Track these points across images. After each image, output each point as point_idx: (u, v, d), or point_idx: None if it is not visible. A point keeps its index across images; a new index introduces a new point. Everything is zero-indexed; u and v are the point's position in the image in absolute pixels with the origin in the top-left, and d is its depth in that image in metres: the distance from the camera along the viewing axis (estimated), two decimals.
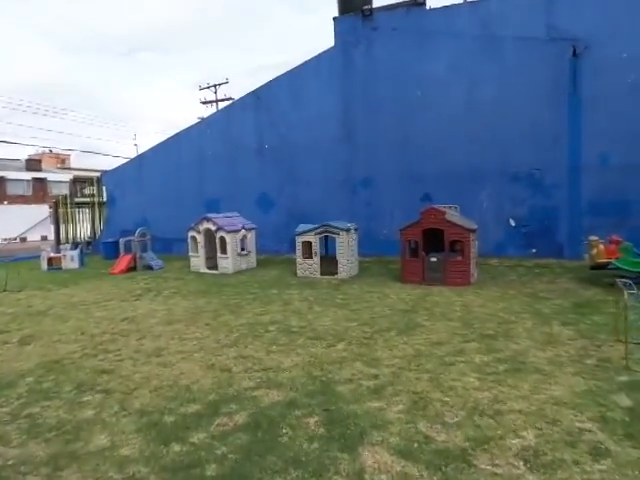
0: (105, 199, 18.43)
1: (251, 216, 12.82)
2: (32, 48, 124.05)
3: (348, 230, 10.07)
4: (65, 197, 19.16)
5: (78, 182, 18.73)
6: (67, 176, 40.75)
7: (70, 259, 14.25)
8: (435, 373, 4.29)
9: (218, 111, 15.17)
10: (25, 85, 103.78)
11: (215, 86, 32.61)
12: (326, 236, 10.34)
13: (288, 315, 6.73)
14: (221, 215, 12.08)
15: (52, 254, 14.40)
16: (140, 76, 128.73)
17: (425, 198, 12.24)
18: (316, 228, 10.12)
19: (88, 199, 19.19)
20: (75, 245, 18.80)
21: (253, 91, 14.37)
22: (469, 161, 11.94)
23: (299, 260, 10.42)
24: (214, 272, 11.50)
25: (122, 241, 13.56)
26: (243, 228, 11.71)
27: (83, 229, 19.65)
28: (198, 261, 11.87)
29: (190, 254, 12.03)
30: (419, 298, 7.64)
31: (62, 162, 61.28)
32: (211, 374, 4.47)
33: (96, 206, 18.87)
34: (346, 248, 9.98)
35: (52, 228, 19.91)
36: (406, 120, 12.41)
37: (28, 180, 40.33)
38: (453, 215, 9.26)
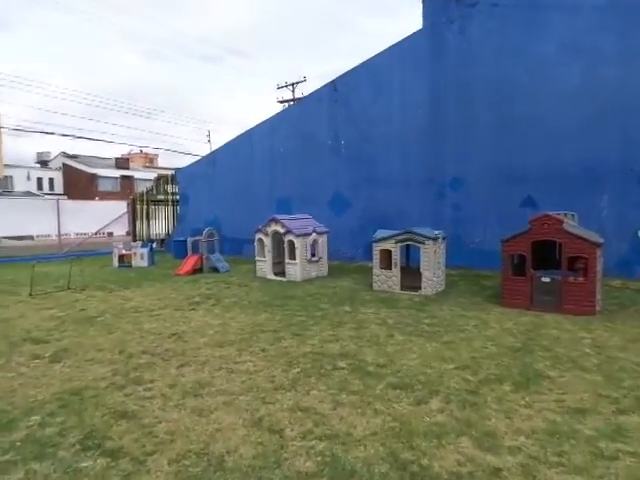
0: (179, 197, 18.23)
1: (323, 218, 11.64)
2: (127, 56, 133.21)
3: (435, 239, 8.53)
4: (142, 194, 19.26)
5: (158, 180, 18.65)
6: (152, 174, 42.47)
7: (140, 257, 13.97)
8: (593, 476, 2.74)
9: (291, 105, 14.21)
10: (122, 89, 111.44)
11: (293, 85, 32.09)
12: (408, 245, 8.89)
13: (362, 345, 5.39)
14: (291, 217, 11.01)
15: (124, 251, 14.20)
16: (226, 80, 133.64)
17: (527, 202, 10.34)
18: (397, 235, 8.68)
19: (163, 196, 19.12)
20: (149, 242, 18.86)
21: (330, 82, 13.20)
22: (584, 158, 9.85)
23: (376, 271, 9.04)
24: (281, 279, 10.45)
25: (189, 241, 12.98)
26: (314, 231, 10.55)
27: (158, 226, 19.68)
28: (264, 266, 10.89)
29: (256, 258, 11.09)
30: (530, 330, 5.96)
31: (150, 161, 64.67)
32: (256, 436, 3.26)
33: (170, 203, 18.74)
34: (432, 259, 8.45)
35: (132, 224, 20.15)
36: (506, 109, 10.56)
37: (117, 178, 42.55)
38: (572, 225, 7.41)
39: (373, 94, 12.41)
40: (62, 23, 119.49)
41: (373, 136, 12.43)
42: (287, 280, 10.31)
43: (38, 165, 47.67)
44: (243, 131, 15.48)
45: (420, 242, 8.45)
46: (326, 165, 13.33)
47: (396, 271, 8.78)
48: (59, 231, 16.98)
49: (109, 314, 7.22)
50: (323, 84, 13.43)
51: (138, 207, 19.15)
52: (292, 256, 10.30)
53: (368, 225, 12.36)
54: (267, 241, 10.74)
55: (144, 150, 60.16)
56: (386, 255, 8.99)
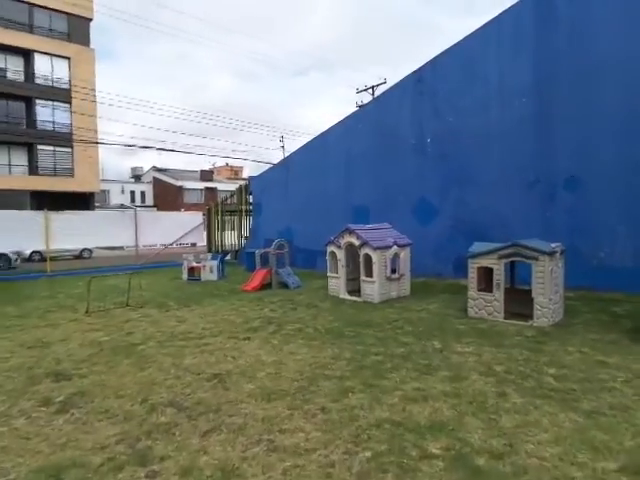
0: (252, 206, 17.52)
1: (406, 228, 10.03)
2: (224, 77, 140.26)
3: (552, 253, 6.61)
4: (217, 204, 18.86)
5: (240, 190, 18.12)
6: (235, 185, 43.24)
7: (209, 270, 13.26)
8: None
9: (370, 101, 12.82)
10: (214, 107, 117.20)
11: (372, 87, 30.69)
12: (513, 261, 7.04)
13: (463, 410, 3.77)
14: (368, 227, 9.55)
15: (194, 263, 13.60)
16: (311, 92, 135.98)
17: None
18: (501, 249, 6.88)
19: (238, 206, 18.56)
20: (223, 254, 18.36)
21: (414, 72, 11.61)
22: None
23: (472, 293, 7.28)
24: (356, 299, 9.00)
25: (258, 253, 11.99)
26: (395, 244, 8.98)
27: (233, 237, 19.18)
28: (337, 283, 9.51)
29: (328, 274, 9.74)
30: None
31: (235, 173, 66.67)
32: None
33: (245, 213, 18.12)
34: (548, 280, 6.54)
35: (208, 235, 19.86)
36: (638, 90, 8.31)
37: (201, 189, 43.81)
38: None
39: (465, 82, 10.61)
40: (165, 52, 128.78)
41: (465, 131, 10.61)
42: (363, 300, 8.84)
43: (132, 179, 50.72)
44: (317, 134, 14.35)
45: (532, 258, 6.58)
46: (409, 167, 11.70)
47: (499, 294, 6.96)
48: (136, 242, 16.97)
49: (153, 341, 6.23)
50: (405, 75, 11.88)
51: (213, 218, 18.78)
52: (369, 272, 8.82)
53: (458, 236, 10.56)
54: (340, 255, 9.37)
55: (229, 163, 62.06)
56: (485, 274, 7.22)
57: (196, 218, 18.98)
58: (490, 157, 10.24)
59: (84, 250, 25.64)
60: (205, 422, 3.67)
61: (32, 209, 25.54)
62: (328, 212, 13.70)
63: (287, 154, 16.26)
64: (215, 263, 13.36)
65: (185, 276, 13.35)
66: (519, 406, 3.83)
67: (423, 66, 11.44)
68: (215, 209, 18.77)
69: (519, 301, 6.98)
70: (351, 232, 9.02)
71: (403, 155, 11.83)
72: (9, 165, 31.77)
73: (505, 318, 6.88)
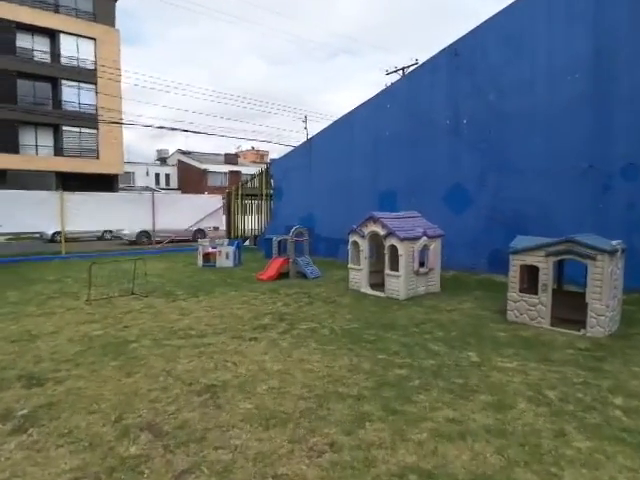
0: (273, 190, 16.76)
1: (437, 217, 9.09)
2: (250, 62, 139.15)
3: (613, 252, 5.60)
4: (237, 188, 18.17)
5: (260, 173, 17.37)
6: (258, 169, 42.65)
7: (225, 256, 12.60)
8: None
9: (400, 79, 11.78)
10: (243, 89, 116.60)
11: (403, 69, 29.30)
12: (562, 259, 6.06)
13: (512, 458, 2.90)
14: (395, 215, 8.65)
15: (209, 249, 12.96)
16: (339, 77, 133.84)
17: None
18: (551, 244, 5.90)
19: (259, 190, 17.83)
20: (242, 240, 17.72)
21: (450, 45, 10.51)
22: None
23: (513, 294, 6.33)
24: (379, 294, 8.15)
25: (275, 240, 11.25)
26: (425, 235, 8.07)
27: (254, 222, 18.50)
28: (359, 276, 8.67)
29: (350, 265, 8.91)
30: None
31: (261, 157, 66.12)
32: None
33: (265, 198, 17.38)
34: (607, 283, 5.55)
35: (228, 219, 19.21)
36: None
37: (225, 173, 43.36)
38: None
39: (507, 55, 9.48)
40: (198, 37, 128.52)
41: (506, 111, 9.52)
42: (386, 296, 7.99)
43: (158, 162, 50.67)
44: (343, 114, 13.39)
45: (588, 257, 5.59)
46: (442, 150, 10.67)
47: (545, 298, 6.00)
48: (153, 225, 16.47)
49: (149, 338, 5.55)
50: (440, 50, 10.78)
51: (233, 201, 18.12)
52: (394, 266, 7.95)
53: (495, 227, 9.57)
54: (363, 245, 8.51)
55: (255, 147, 61.52)
56: (529, 272, 6.26)
57: (216, 201, 18.36)
58: (535, 141, 9.13)
59: (105, 232, 25.47)
60: (183, 457, 2.93)
61: (57, 190, 25.51)
62: (352, 198, 12.82)
63: (311, 136, 15.38)
64: (231, 249, 12.69)
65: (200, 262, 12.74)
66: (585, 454, 2.95)
67: (461, 38, 10.33)
68: (235, 192, 18.10)
69: (568, 305, 6.02)
70: (376, 220, 8.15)
71: (436, 137, 10.80)
72: (36, 146, 31.85)
73: (552, 325, 5.93)
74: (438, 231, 8.52)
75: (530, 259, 6.06)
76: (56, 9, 31.37)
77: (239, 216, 18.12)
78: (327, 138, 13.93)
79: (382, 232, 8.00)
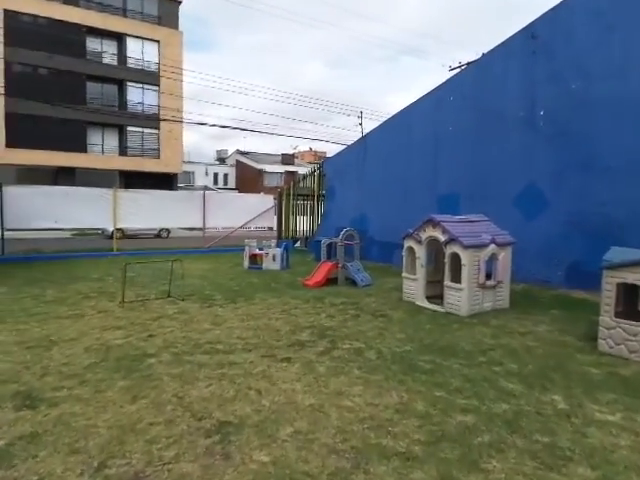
0: (325, 190, 16.00)
1: (506, 222, 7.91)
2: (313, 66, 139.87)
3: None
4: (289, 187, 17.58)
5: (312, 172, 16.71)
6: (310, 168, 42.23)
7: (272, 259, 11.98)
8: None
9: (466, 68, 10.62)
10: (306, 93, 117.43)
11: (468, 64, 27.61)
12: None
13: None
14: (457, 218, 7.57)
15: (256, 250, 12.40)
16: (400, 78, 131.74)
17: None
18: None
19: (308, 190, 17.15)
20: (292, 241, 17.11)
21: (525, 28, 9.25)
22: None
23: (606, 319, 5.12)
24: (436, 308, 7.13)
25: (324, 243, 10.45)
26: (493, 242, 6.95)
27: (305, 223, 17.84)
28: (414, 287, 7.67)
29: (404, 274, 7.93)
30: None
31: (319, 158, 65.89)
32: None
33: (316, 198, 16.65)
34: None
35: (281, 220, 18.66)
36: None
37: (281, 173, 43.29)
38: None
39: (596, 34, 8.12)
40: (262, 42, 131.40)
41: (592, 100, 8.16)
42: (445, 311, 6.95)
43: (217, 162, 51.62)
44: (401, 109, 12.39)
45: None
46: (514, 146, 9.43)
47: None
48: (203, 224, 16.21)
49: (170, 352, 4.90)
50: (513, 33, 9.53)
51: (284, 201, 17.55)
52: (456, 277, 6.90)
53: (576, 235, 8.26)
54: (420, 252, 7.51)
55: (313, 147, 61.30)
56: (628, 293, 5.04)
57: (267, 201, 17.87)
58: (627, 134, 7.72)
59: (162, 230, 25.86)
60: None
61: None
62: (409, 199, 11.79)
63: (366, 133, 14.48)
64: (278, 251, 12.04)
65: (246, 264, 12.19)
66: None
67: (539, 18, 9.05)
68: (287, 192, 17.52)
69: None
70: (436, 224, 7.13)
71: (506, 132, 9.56)
72: (102, 145, 33.12)
73: None
74: (508, 238, 7.36)
75: (632, 277, 4.84)
76: (124, 13, 32.47)
77: (290, 216, 17.52)
78: (383, 135, 12.98)
79: (443, 238, 6.97)
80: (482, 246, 6.83)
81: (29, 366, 4.47)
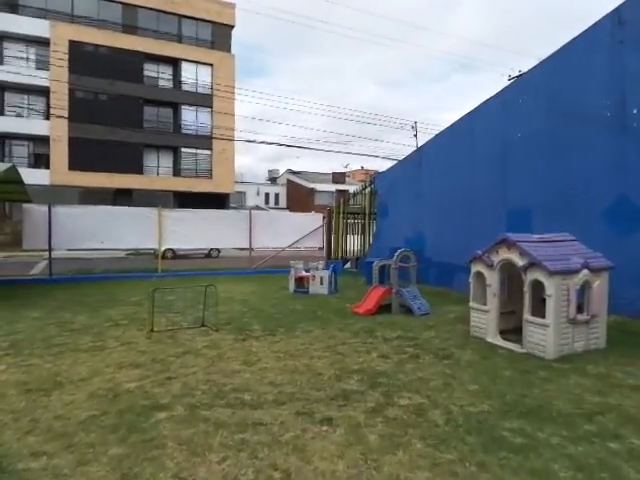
0: (376, 207, 14.93)
1: (592, 241, 6.52)
2: (366, 87, 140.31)
3: None
4: (339, 205, 16.68)
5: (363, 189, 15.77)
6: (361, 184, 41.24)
7: (319, 282, 11.02)
8: None
9: (537, 65, 9.32)
10: (360, 113, 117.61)
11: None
12: None
13: None
14: (537, 238, 6.28)
15: (302, 272, 11.50)
16: (453, 95, 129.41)
17: None
18: None
19: (359, 208, 16.15)
20: (343, 262, 16.12)
21: (611, 13, 7.90)
22: None
23: None
24: (514, 348, 5.83)
25: (376, 265, 9.38)
26: (586, 267, 5.62)
27: (356, 243, 16.83)
28: (484, 320, 6.42)
29: (471, 303, 6.69)
30: None
31: (371, 176, 65.01)
32: None
33: (368, 216, 15.61)
34: None
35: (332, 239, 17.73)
36: None
37: (332, 192, 42.66)
38: None
39: None
40: (313, 67, 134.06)
41: None
42: (525, 352, 5.65)
43: (269, 182, 51.89)
44: (461, 116, 11.20)
45: None
46: (600, 152, 8.00)
47: None
48: (250, 244, 15.57)
49: (186, 403, 4.00)
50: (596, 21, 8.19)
51: (334, 220, 16.65)
52: (539, 310, 5.61)
53: None
54: (492, 278, 6.27)
55: (364, 166, 60.46)
56: None
57: (316, 220, 17.03)
58: None
59: (212, 249, 25.69)
60: None
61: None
62: (472, 216, 10.50)
63: (421, 145, 13.38)
64: (326, 274, 11.07)
65: (291, 287, 11.30)
66: None
67: (627, 2, 7.69)
68: (337, 210, 16.62)
69: None
70: (511, 245, 5.89)
71: (589, 136, 8.16)
72: (157, 167, 33.92)
73: None
74: (604, 262, 5.98)
75: None
76: (179, 39, 33.42)
77: (340, 236, 16.57)
78: (441, 145, 11.81)
79: (521, 262, 5.72)
80: (572, 272, 5.52)
81: (18, 417, 3.72)
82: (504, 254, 6.01)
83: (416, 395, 4.24)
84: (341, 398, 4.16)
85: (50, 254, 13.01)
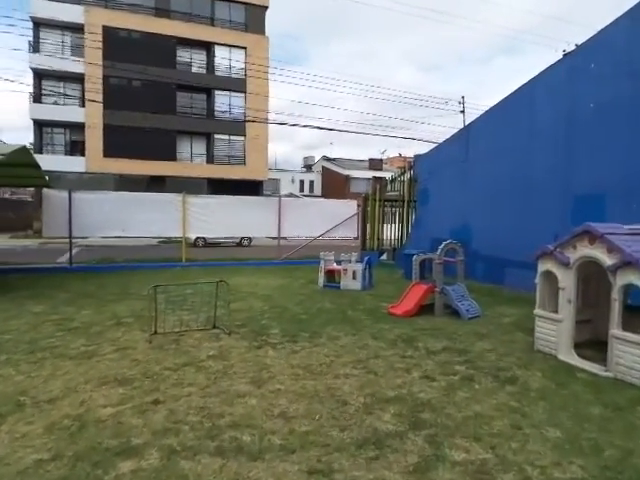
0: (416, 193, 13.62)
1: None
2: (406, 69, 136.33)
3: None
4: (374, 192, 15.43)
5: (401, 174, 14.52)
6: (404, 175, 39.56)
7: (351, 276, 9.91)
8: None
9: (614, 22, 7.74)
10: (399, 98, 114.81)
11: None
12: None
13: None
14: (628, 229, 4.92)
15: (333, 265, 10.42)
16: (498, 80, 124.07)
17: None
18: None
19: (397, 194, 14.87)
20: (379, 253, 14.92)
21: None
22: None
23: None
24: (595, 370, 4.55)
25: (416, 260, 8.15)
26: None
27: (393, 232, 15.58)
28: (555, 332, 5.13)
29: (538, 311, 5.39)
30: None
31: (408, 164, 62.90)
32: None
33: (406, 203, 14.31)
34: None
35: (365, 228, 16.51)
36: None
37: (368, 179, 41.20)
38: None
39: None
40: (354, 52, 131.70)
41: None
42: (612, 376, 4.37)
43: (304, 169, 50.86)
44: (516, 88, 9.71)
45: None
46: None
47: None
48: (279, 233, 14.59)
49: (163, 448, 3.00)
50: None
51: (369, 208, 15.43)
52: (633, 323, 4.31)
53: None
54: (566, 279, 4.97)
55: (402, 153, 58.46)
56: None
57: (349, 207, 15.83)
58: None
59: (243, 238, 24.99)
60: None
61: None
62: (530, 202, 9.10)
63: (469, 123, 11.96)
64: (359, 267, 9.94)
65: (321, 281, 10.24)
66: None
67: None
68: (372, 197, 15.39)
69: None
70: (596, 238, 4.58)
71: None
72: (191, 154, 33.45)
73: None
74: None
75: None
76: (212, 22, 32.61)
77: (376, 225, 15.35)
78: (492, 122, 10.37)
79: (609, 260, 4.42)
80: None
81: None
82: (584, 249, 4.71)
83: (475, 444, 3.09)
84: (372, 445, 3.06)
85: (70, 242, 12.45)
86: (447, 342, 5.62)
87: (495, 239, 9.95)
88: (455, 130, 12.31)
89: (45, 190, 12.10)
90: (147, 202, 13.18)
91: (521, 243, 8.92)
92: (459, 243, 7.75)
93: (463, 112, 34.56)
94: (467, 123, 12.20)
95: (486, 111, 10.65)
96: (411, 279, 8.29)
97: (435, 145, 13.30)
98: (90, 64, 28.46)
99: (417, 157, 13.52)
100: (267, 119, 32.77)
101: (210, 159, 33.19)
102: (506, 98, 9.95)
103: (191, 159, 33.19)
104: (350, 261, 10.23)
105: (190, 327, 6.21)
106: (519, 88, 9.50)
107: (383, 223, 15.52)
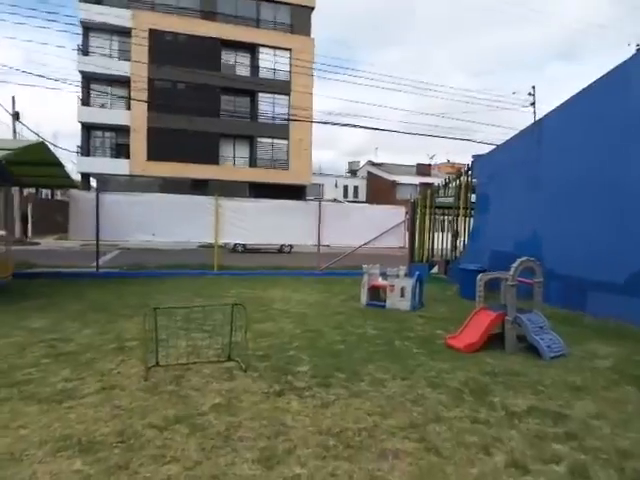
0: (473, 199, 12.05)
1: None
2: (457, 77, 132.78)
3: None
4: (424, 197, 13.95)
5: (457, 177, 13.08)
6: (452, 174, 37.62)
7: (399, 293, 8.52)
8: None
9: None
10: (449, 105, 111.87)
11: None
12: None
13: None
14: None
15: (379, 280, 9.09)
16: (549, 86, 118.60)
17: None
18: None
19: (450, 200, 13.33)
20: (429, 266, 13.40)
21: None
22: None
23: None
24: None
25: (482, 280, 6.65)
26: None
27: (443, 243, 14.05)
28: None
29: None
30: None
31: (457, 171, 60.42)
32: None
33: (461, 210, 12.75)
34: None
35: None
36: None
37: (416, 185, 39.47)
38: None
39: None
40: (399, 59, 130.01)
41: None
42: None
43: (348, 174, 49.63)
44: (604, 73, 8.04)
45: None
46: None
47: None
48: (318, 241, 13.37)
49: None
50: None
51: (418, 215, 13.96)
52: None
53: None
54: None
55: (451, 159, 56.15)
56: None
57: (396, 214, 14.40)
58: None
59: (284, 245, 23.98)
60: None
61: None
62: (623, 209, 7.41)
63: (541, 117, 10.33)
64: (409, 283, 8.53)
65: (363, 298, 8.91)
66: None
67: None
68: (422, 204, 13.92)
69: None
70: None
71: None
72: (234, 157, 33.00)
73: None
74: None
75: None
76: (257, 24, 32.09)
77: (426, 234, 13.86)
78: (572, 114, 8.71)
79: None
80: None
81: None
82: None
83: None
84: None
85: (97, 246, 11.75)
86: (532, 398, 4.15)
87: (574, 255, 8.28)
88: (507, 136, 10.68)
89: (71, 191, 11.49)
90: (178, 205, 12.32)
91: (611, 260, 7.27)
92: (537, 261, 6.23)
93: (534, 104, 31.80)
94: (538, 118, 10.54)
95: (564, 102, 8.99)
96: (467, 297, 6.87)
97: (494, 146, 11.71)
98: (136, 64, 28.49)
99: (476, 158, 11.94)
100: (311, 125, 31.81)
101: (253, 163, 32.61)
102: (591, 86, 8.28)
103: (234, 162, 32.73)
104: (398, 275, 8.84)
105: (200, 357, 5.05)
106: (610, 71, 7.83)
107: (433, 232, 14.02)
